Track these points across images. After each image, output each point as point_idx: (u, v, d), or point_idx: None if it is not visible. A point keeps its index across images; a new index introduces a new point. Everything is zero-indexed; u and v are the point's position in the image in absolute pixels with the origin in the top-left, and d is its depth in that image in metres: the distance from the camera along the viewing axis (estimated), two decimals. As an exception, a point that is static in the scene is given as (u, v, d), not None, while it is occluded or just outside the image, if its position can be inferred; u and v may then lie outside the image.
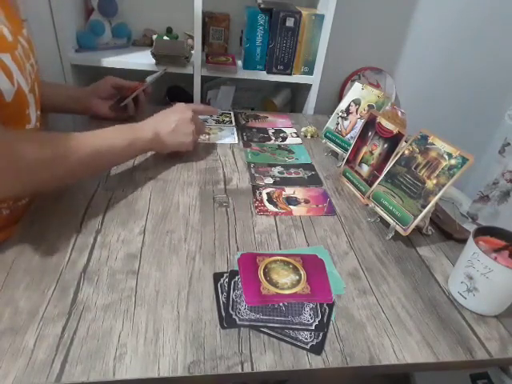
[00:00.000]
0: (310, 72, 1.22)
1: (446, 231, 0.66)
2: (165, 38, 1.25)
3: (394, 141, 0.69)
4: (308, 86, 1.25)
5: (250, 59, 1.19)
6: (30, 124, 0.62)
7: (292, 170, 0.80)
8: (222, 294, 0.49)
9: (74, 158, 0.54)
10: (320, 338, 0.45)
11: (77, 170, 0.57)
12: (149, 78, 0.93)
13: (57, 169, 0.53)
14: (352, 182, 0.76)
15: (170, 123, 0.71)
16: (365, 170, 0.74)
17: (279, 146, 0.90)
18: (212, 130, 0.94)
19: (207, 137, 0.90)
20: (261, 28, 1.14)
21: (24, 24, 0.62)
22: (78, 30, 1.18)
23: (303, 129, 0.99)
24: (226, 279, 0.51)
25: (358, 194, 0.74)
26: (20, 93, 0.52)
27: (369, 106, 0.82)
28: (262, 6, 1.12)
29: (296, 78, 1.22)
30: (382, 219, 0.66)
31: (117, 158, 0.65)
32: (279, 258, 0.56)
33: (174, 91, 1.33)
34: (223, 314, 0.46)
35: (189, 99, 1.25)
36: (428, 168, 0.60)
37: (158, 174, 0.73)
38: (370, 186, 0.70)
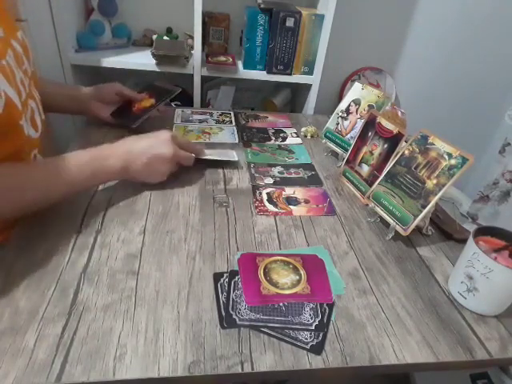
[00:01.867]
0: (310, 72, 1.22)
1: (446, 231, 0.66)
2: (165, 38, 1.25)
3: (393, 141, 0.69)
4: (308, 86, 1.25)
5: (250, 59, 1.19)
6: (37, 131, 0.62)
7: (292, 170, 0.80)
8: (222, 294, 0.49)
9: (30, 193, 0.53)
10: (320, 337, 0.45)
11: (32, 203, 0.54)
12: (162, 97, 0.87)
13: (13, 200, 0.52)
14: (352, 182, 0.76)
15: (144, 157, 0.62)
16: (365, 169, 0.74)
17: (279, 145, 0.90)
18: (212, 130, 0.94)
19: (207, 136, 0.90)
20: (261, 28, 1.14)
21: (19, 26, 0.62)
22: (78, 30, 1.18)
23: (303, 129, 0.99)
24: (226, 279, 0.51)
25: (358, 193, 0.74)
26: (9, 105, 0.51)
27: (369, 105, 0.82)
28: (262, 5, 1.12)
29: (296, 78, 1.22)
30: (382, 219, 0.66)
31: (75, 191, 0.59)
32: (279, 257, 0.56)
33: (174, 91, 1.33)
34: (223, 314, 0.46)
35: (189, 99, 1.25)
36: (428, 168, 0.60)
37: (158, 174, 0.73)
38: (370, 186, 0.70)
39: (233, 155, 0.80)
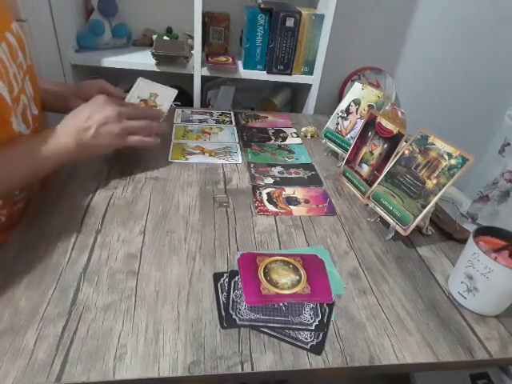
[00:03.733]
0: (310, 72, 1.22)
1: (446, 231, 0.66)
2: (165, 38, 1.25)
3: (393, 141, 0.69)
4: (308, 86, 1.25)
5: (250, 59, 1.19)
6: (29, 128, 0.61)
7: (292, 170, 0.80)
8: (222, 293, 0.49)
9: None
10: (320, 337, 0.45)
11: None
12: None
13: None
14: (352, 182, 0.76)
15: (90, 128, 0.60)
16: (365, 169, 0.74)
17: (279, 145, 0.90)
18: (212, 130, 0.94)
19: (207, 136, 0.90)
20: (261, 28, 1.14)
21: (13, 19, 0.59)
22: (78, 30, 1.18)
23: (303, 129, 0.98)
24: (226, 279, 0.51)
25: (357, 193, 0.74)
26: None
27: (369, 106, 0.82)
28: (261, 6, 1.12)
29: (296, 78, 1.22)
30: (382, 219, 0.66)
31: (24, 176, 0.57)
32: (279, 258, 0.56)
33: (174, 91, 1.33)
34: (223, 314, 0.46)
35: (189, 99, 1.25)
36: (428, 168, 0.60)
37: (158, 173, 0.73)
38: (370, 185, 0.70)
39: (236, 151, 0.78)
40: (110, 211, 0.62)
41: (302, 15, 1.11)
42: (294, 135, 0.97)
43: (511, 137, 1.20)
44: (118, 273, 0.50)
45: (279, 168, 0.80)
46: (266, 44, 1.16)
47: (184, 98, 1.27)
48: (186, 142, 0.86)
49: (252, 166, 0.80)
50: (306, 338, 0.45)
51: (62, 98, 0.77)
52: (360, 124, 0.79)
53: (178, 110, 1.02)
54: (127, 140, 0.66)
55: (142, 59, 1.16)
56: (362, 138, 0.76)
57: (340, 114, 0.87)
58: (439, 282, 0.56)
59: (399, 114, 0.75)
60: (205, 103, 1.31)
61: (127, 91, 0.83)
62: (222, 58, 1.22)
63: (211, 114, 1.03)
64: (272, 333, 0.45)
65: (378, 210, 0.66)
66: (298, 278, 0.53)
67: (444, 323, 0.49)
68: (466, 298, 0.51)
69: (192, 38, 1.15)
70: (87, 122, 0.60)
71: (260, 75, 1.21)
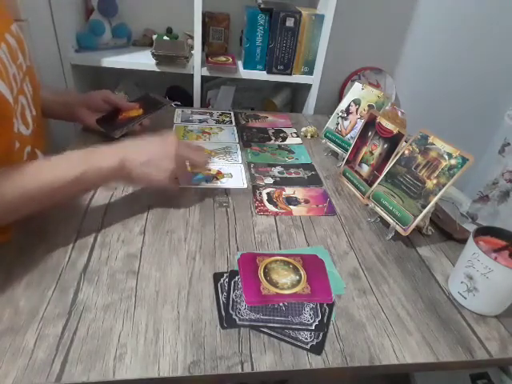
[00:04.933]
0: (310, 72, 1.22)
1: (446, 231, 0.66)
2: (165, 38, 1.25)
3: (393, 141, 0.69)
4: (308, 86, 1.25)
5: (250, 59, 1.19)
6: (28, 128, 0.61)
7: (292, 170, 0.80)
8: (222, 293, 0.49)
9: (16, 193, 0.49)
10: (320, 337, 0.45)
11: (18, 206, 0.50)
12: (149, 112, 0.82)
13: None
14: (352, 182, 0.76)
15: (144, 153, 0.58)
16: (365, 169, 0.74)
17: (279, 146, 0.90)
18: (212, 130, 0.94)
19: (207, 136, 0.90)
20: (261, 28, 1.14)
21: (13, 20, 0.59)
22: (78, 30, 1.18)
23: (303, 129, 0.98)
24: (226, 279, 0.51)
25: (357, 193, 0.74)
26: (1, 101, 0.49)
27: (369, 106, 0.82)
28: (261, 6, 1.12)
29: (296, 78, 1.22)
30: (382, 219, 0.66)
31: (67, 192, 0.54)
32: (279, 258, 0.56)
33: (174, 91, 1.33)
34: (223, 314, 0.46)
35: (189, 99, 1.25)
36: (428, 168, 0.60)
37: (158, 173, 0.73)
38: (370, 185, 0.70)
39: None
40: (109, 211, 0.62)
41: (301, 15, 1.11)
42: (294, 135, 0.97)
43: (511, 137, 1.20)
44: (118, 273, 0.50)
45: (279, 168, 0.80)
46: (265, 44, 1.16)
47: (184, 98, 1.27)
48: (186, 142, 0.86)
49: (252, 165, 0.80)
50: (306, 338, 0.45)
51: (69, 106, 0.81)
52: (360, 124, 0.79)
53: (178, 110, 1.02)
54: (173, 176, 0.62)
55: (142, 59, 1.16)
56: (362, 138, 0.76)
57: (340, 113, 0.87)
58: (439, 282, 0.56)
59: (399, 114, 0.75)
60: (205, 103, 1.31)
61: (132, 101, 0.86)
62: (222, 58, 1.22)
63: (211, 114, 1.03)
64: (272, 333, 0.45)
65: (378, 210, 0.66)
66: (298, 278, 0.53)
67: (444, 323, 0.49)
68: (466, 298, 0.51)
69: (192, 38, 1.15)
70: (144, 148, 0.59)
71: (260, 75, 1.21)
